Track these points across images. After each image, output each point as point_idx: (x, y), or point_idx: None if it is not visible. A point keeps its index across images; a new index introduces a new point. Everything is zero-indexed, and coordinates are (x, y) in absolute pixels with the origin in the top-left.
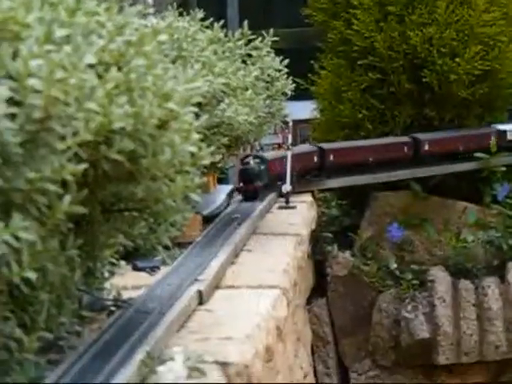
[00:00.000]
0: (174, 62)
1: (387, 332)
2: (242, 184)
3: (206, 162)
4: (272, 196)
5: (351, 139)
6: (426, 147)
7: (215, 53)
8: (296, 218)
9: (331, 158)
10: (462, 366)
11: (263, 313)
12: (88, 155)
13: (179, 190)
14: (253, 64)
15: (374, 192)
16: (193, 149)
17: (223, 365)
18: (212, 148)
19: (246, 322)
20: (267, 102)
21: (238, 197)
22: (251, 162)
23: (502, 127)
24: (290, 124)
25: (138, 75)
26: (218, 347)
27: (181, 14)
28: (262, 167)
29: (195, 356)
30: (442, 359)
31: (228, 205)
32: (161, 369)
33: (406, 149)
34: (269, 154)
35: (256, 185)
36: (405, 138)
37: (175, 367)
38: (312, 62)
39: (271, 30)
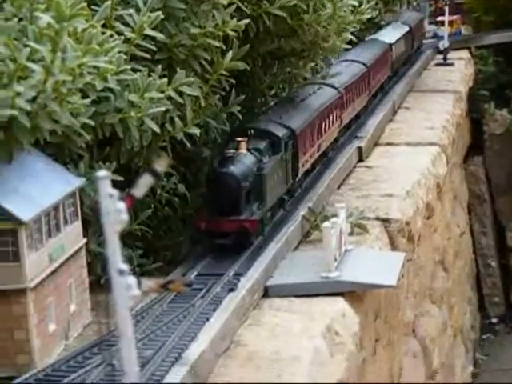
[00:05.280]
0: None
1: None
2: (206, 216)
3: (366, 17)
4: (429, 52)
5: None
6: None
7: None
8: (454, 75)
9: None
10: None
11: (423, 170)
12: (250, 11)
13: (338, 47)
14: None
15: None
16: (353, 2)
17: (385, 221)
18: (372, 3)
19: (406, 178)
20: None
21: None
22: (234, 157)
23: None
24: None
25: None
26: (379, 204)
27: None
28: (266, 168)
29: (357, 213)
30: None
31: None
32: (324, 224)
33: None
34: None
35: (243, 218)
36: None
37: (339, 222)
38: None
39: None
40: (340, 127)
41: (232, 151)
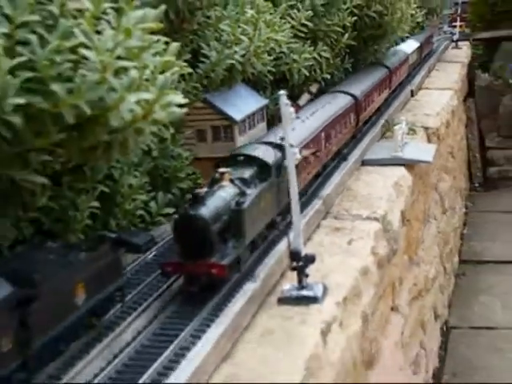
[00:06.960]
0: None
1: (508, 118)
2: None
3: (418, 20)
4: (447, 42)
5: None
6: None
7: None
8: (461, 53)
9: None
10: None
11: (446, 102)
12: (357, 12)
13: (403, 34)
14: None
15: (503, 42)
16: (412, 12)
17: (425, 128)
18: (421, 13)
19: (437, 106)
20: None
21: None
22: (206, 195)
23: None
24: None
25: None
26: (422, 119)
27: None
28: (247, 202)
29: (411, 123)
30: None
31: None
32: (394, 127)
33: None
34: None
35: (212, 262)
36: None
37: (402, 127)
38: None
39: None
40: (355, 128)
41: (204, 189)
